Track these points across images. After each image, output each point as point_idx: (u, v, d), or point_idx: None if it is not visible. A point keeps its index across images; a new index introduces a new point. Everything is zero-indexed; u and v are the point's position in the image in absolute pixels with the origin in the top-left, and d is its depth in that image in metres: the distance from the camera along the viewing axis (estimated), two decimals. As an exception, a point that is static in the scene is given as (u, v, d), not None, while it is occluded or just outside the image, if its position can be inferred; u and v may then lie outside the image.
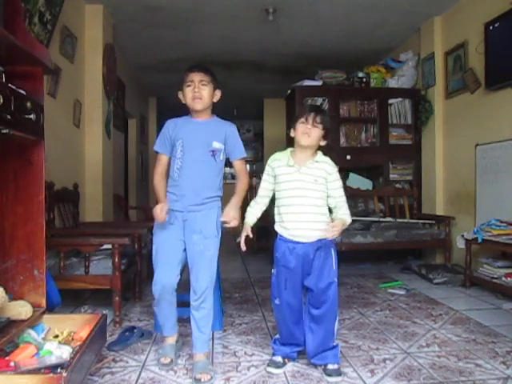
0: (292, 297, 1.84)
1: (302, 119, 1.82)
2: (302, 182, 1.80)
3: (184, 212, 1.83)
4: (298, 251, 1.80)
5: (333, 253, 1.84)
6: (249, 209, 1.96)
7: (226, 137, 1.88)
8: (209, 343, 1.92)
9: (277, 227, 1.88)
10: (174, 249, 1.86)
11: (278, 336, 1.95)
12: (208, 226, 1.84)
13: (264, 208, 1.95)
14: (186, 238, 1.85)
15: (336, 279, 1.83)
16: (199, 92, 1.84)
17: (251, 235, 1.92)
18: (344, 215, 1.83)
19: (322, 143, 1.87)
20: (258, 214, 1.95)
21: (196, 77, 1.87)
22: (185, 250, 1.87)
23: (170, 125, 1.90)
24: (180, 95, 1.90)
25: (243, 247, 1.90)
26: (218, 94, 1.93)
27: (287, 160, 1.85)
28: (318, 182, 1.81)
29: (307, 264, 1.81)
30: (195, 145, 1.84)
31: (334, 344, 1.86)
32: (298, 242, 1.80)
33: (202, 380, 1.72)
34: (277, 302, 1.87)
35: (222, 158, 1.89)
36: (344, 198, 1.86)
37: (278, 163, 1.88)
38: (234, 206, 1.90)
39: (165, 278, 1.86)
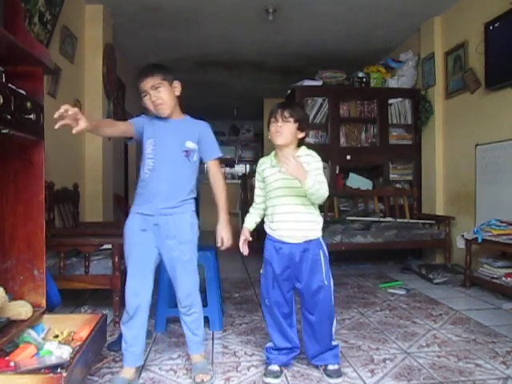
0: (279, 297, 1.80)
1: (272, 119, 1.79)
2: (284, 180, 1.76)
3: (155, 215, 1.71)
4: (284, 251, 1.77)
5: (321, 255, 1.77)
6: (248, 215, 1.96)
7: (199, 136, 1.81)
8: (204, 344, 1.88)
9: (265, 227, 1.86)
10: (145, 257, 1.73)
11: (270, 344, 1.89)
12: (182, 230, 1.74)
13: (262, 213, 1.92)
14: (160, 243, 1.74)
15: (327, 282, 1.77)
16: (158, 98, 1.72)
17: (250, 238, 1.90)
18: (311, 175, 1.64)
19: (300, 136, 1.80)
20: (257, 220, 1.94)
21: (146, 85, 1.72)
22: (159, 255, 1.77)
23: (145, 118, 1.81)
24: (143, 105, 1.78)
25: (244, 251, 1.89)
26: (178, 85, 1.81)
27: (270, 161, 1.84)
28: None
29: (294, 267, 1.76)
30: (168, 144, 1.75)
31: (334, 344, 1.84)
32: (284, 243, 1.77)
33: (202, 381, 1.72)
34: (266, 302, 1.84)
35: (195, 159, 1.80)
36: (321, 181, 1.70)
37: (263, 166, 1.87)
38: (224, 226, 1.83)
39: (139, 288, 1.72)
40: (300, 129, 1.78)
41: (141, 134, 1.76)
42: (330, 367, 1.79)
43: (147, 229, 1.71)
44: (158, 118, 1.78)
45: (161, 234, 1.72)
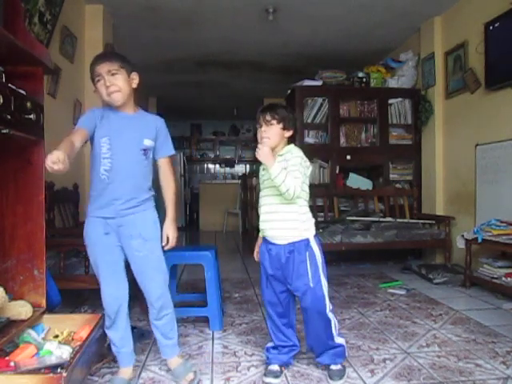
0: (272, 296, 1.82)
1: (257, 125, 1.80)
2: (270, 180, 1.73)
3: (117, 218, 1.64)
4: (272, 252, 1.78)
5: (307, 256, 1.73)
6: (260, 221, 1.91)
7: (156, 133, 1.72)
8: (178, 345, 1.82)
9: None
10: (114, 260, 1.68)
11: (270, 343, 1.89)
12: (147, 227, 1.69)
13: None
14: (124, 245, 1.67)
15: (313, 284, 1.72)
16: (112, 84, 1.60)
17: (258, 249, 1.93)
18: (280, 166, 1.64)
19: (287, 134, 1.79)
20: None
21: (102, 68, 1.59)
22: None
23: (96, 112, 1.66)
24: (96, 93, 1.65)
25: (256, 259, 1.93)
26: (136, 77, 1.69)
27: (264, 164, 1.81)
28: None
29: (282, 268, 1.76)
30: (126, 143, 1.65)
31: (338, 343, 1.80)
32: (272, 243, 1.78)
33: (190, 382, 1.72)
34: (263, 299, 1.89)
35: (151, 156, 1.74)
36: (294, 175, 1.65)
37: (261, 169, 1.89)
38: (170, 224, 1.74)
39: (115, 292, 1.69)
40: (285, 128, 1.77)
41: (93, 132, 1.63)
42: (333, 367, 1.78)
43: (110, 232, 1.65)
44: (112, 111, 1.67)
45: (124, 235, 1.66)
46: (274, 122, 1.75)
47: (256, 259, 1.92)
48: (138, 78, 1.70)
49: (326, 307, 1.76)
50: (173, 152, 1.79)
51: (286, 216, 1.75)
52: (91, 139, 1.64)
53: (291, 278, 1.75)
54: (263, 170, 1.84)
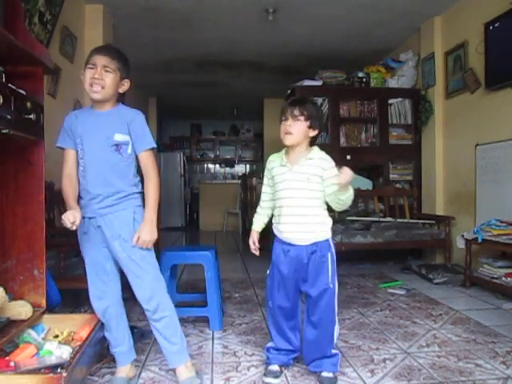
0: (284, 300, 1.77)
1: (282, 117, 1.73)
2: (294, 181, 1.71)
3: (96, 217, 1.61)
4: (292, 254, 1.72)
5: (329, 257, 1.73)
6: (255, 215, 1.90)
7: (129, 126, 1.62)
8: (186, 352, 1.70)
9: (273, 229, 1.81)
10: (99, 258, 1.66)
11: (271, 344, 1.87)
12: (126, 227, 1.60)
13: (270, 212, 1.85)
14: (108, 246, 1.64)
15: (332, 285, 1.72)
16: (100, 78, 1.57)
17: (257, 243, 1.85)
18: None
19: (312, 134, 1.74)
20: (265, 220, 1.89)
21: (100, 60, 1.58)
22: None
23: (71, 117, 1.67)
24: (82, 77, 1.62)
25: (256, 253, 1.85)
26: (127, 84, 1.67)
27: (281, 160, 1.78)
28: (311, 180, 1.70)
29: (301, 268, 1.72)
30: (95, 141, 1.60)
31: (333, 352, 1.78)
32: (292, 245, 1.73)
33: None
34: (270, 304, 1.82)
35: (130, 152, 1.63)
36: None
37: (273, 164, 1.81)
38: (144, 226, 1.60)
39: (100, 293, 1.67)
40: (311, 127, 1.72)
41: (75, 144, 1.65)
42: (325, 374, 1.74)
43: (88, 232, 1.64)
44: (87, 110, 1.69)
45: (106, 236, 1.62)
46: (302, 118, 1.70)
47: (257, 253, 1.85)
48: (127, 85, 1.68)
49: (335, 310, 1.76)
50: (151, 146, 1.65)
51: (313, 219, 1.72)
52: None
53: (310, 278, 1.72)
54: (282, 166, 1.76)
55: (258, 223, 1.89)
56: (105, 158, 1.60)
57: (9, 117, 1.50)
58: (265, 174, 1.86)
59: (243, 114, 8.84)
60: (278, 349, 1.84)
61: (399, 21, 4.28)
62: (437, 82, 4.20)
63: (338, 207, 1.74)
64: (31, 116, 1.67)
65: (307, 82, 4.49)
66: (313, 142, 1.79)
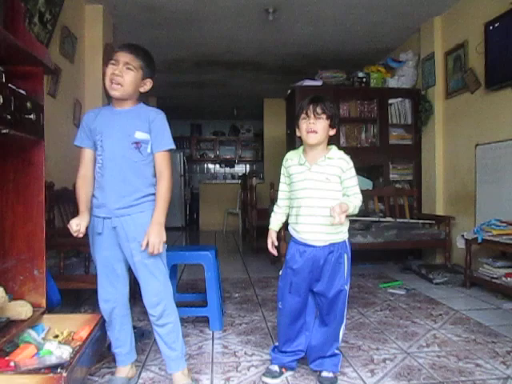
0: (295, 302, 1.74)
1: (303, 115, 1.70)
2: (313, 181, 1.68)
3: (112, 218, 1.57)
4: (308, 255, 1.69)
5: (346, 259, 1.72)
6: (272, 214, 1.87)
7: (149, 124, 1.59)
8: (183, 359, 1.70)
9: (290, 229, 1.78)
10: (112, 259, 1.62)
11: (276, 343, 1.87)
12: (142, 231, 1.55)
13: (287, 211, 1.83)
14: (122, 247, 1.60)
15: (346, 287, 1.73)
16: (120, 76, 1.54)
17: (276, 242, 1.83)
18: (347, 201, 1.65)
19: (332, 133, 1.72)
20: (283, 219, 1.86)
21: (123, 57, 1.56)
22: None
23: (89, 116, 1.65)
24: (104, 73, 1.60)
25: (273, 252, 1.83)
26: (149, 84, 1.65)
27: (299, 158, 1.73)
28: (330, 180, 1.67)
29: (317, 269, 1.70)
30: (115, 138, 1.57)
31: (336, 352, 1.78)
32: (308, 245, 1.70)
33: None
34: (280, 305, 1.79)
35: (150, 151, 1.60)
36: (356, 192, 1.71)
37: (290, 162, 1.76)
38: (152, 229, 1.54)
39: (107, 294, 1.65)
40: (331, 125, 1.71)
41: (94, 142, 1.63)
42: (325, 374, 1.74)
43: (103, 232, 1.59)
44: (107, 108, 1.67)
45: (121, 237, 1.58)
46: (324, 116, 1.68)
47: (275, 253, 1.82)
48: (150, 85, 1.66)
49: (346, 310, 1.76)
50: (169, 146, 1.62)
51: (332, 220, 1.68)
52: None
53: (325, 279, 1.70)
54: (300, 165, 1.72)
55: (276, 222, 1.86)
56: (124, 155, 1.57)
57: (9, 117, 1.50)
58: (281, 172, 1.82)
59: (243, 113, 8.84)
60: (282, 351, 1.82)
61: (399, 21, 4.28)
62: (437, 82, 4.19)
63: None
64: (31, 116, 1.68)
65: (307, 82, 4.49)
66: (329, 141, 1.76)
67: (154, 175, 1.63)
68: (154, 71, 1.67)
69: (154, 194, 1.62)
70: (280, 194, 1.84)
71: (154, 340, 2.21)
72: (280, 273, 1.82)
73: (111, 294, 1.65)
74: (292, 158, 1.77)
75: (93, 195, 1.63)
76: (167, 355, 1.66)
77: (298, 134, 1.76)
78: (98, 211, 1.60)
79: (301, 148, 1.79)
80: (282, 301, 1.78)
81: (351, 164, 1.72)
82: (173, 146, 1.63)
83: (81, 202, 1.61)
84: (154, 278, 1.61)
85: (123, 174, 1.57)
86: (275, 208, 1.87)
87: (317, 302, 1.78)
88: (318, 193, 1.68)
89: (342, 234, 1.73)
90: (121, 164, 1.57)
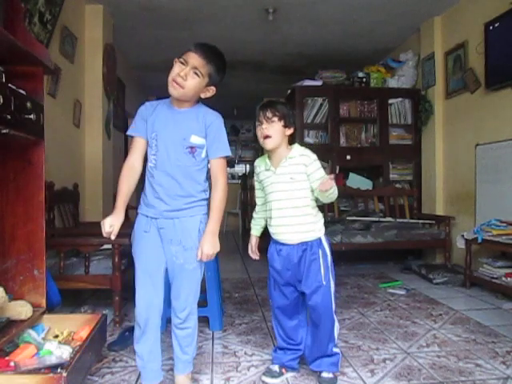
0: (281, 298, 1.79)
1: (257, 122, 1.74)
2: (279, 183, 1.72)
3: (159, 218, 1.53)
4: (283, 253, 1.75)
5: (320, 254, 1.73)
6: (252, 221, 1.93)
7: (206, 129, 1.54)
8: (192, 364, 1.69)
9: (268, 229, 1.83)
10: (155, 261, 1.56)
11: (276, 342, 1.89)
12: (188, 236, 1.53)
13: (265, 215, 1.86)
14: (165, 248, 1.56)
15: (326, 282, 1.72)
16: (184, 79, 1.48)
17: (254, 247, 1.89)
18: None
19: (288, 132, 1.73)
20: (262, 224, 1.89)
21: (193, 59, 1.50)
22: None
23: (148, 108, 1.59)
24: (174, 63, 1.54)
25: (255, 257, 1.88)
26: (212, 91, 1.59)
27: (265, 164, 1.79)
28: (294, 179, 1.70)
29: (294, 268, 1.73)
30: (170, 140, 1.52)
31: (334, 351, 1.78)
32: (283, 244, 1.75)
33: None
34: (270, 302, 1.86)
35: (204, 156, 1.56)
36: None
37: (259, 169, 1.82)
38: (206, 238, 1.52)
39: (149, 297, 1.55)
40: (286, 125, 1.72)
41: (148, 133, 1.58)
42: (325, 374, 1.74)
43: (149, 231, 1.54)
44: (165, 105, 1.59)
45: (165, 239, 1.54)
46: (276, 119, 1.70)
47: (256, 257, 1.89)
48: (212, 93, 1.59)
49: (332, 307, 1.75)
50: (226, 153, 1.58)
51: (303, 219, 1.72)
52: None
53: (303, 277, 1.72)
54: (267, 170, 1.77)
55: (256, 228, 1.92)
56: (177, 158, 1.52)
57: (9, 117, 1.50)
58: (254, 178, 1.89)
59: (243, 114, 8.83)
60: (281, 348, 1.84)
61: (399, 21, 4.28)
62: (437, 82, 4.20)
63: (325, 201, 1.75)
64: (31, 116, 1.68)
65: (307, 82, 4.50)
66: (291, 140, 1.78)
67: (207, 180, 1.60)
68: (222, 79, 1.59)
69: (205, 200, 1.59)
70: (257, 201, 1.90)
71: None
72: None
73: (151, 298, 1.55)
74: (260, 165, 1.82)
75: (143, 191, 1.59)
76: (178, 357, 1.64)
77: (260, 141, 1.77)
78: (146, 210, 1.56)
79: (266, 154, 1.83)
80: (271, 298, 1.85)
81: (314, 156, 1.73)
82: (229, 153, 1.60)
83: (120, 195, 1.54)
84: (189, 283, 1.59)
85: (175, 177, 1.52)
86: (254, 214, 1.93)
87: (305, 302, 1.80)
88: (285, 194, 1.72)
89: (314, 233, 1.74)
90: (173, 168, 1.52)
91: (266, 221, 1.85)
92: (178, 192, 1.53)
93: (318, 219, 1.78)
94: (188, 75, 1.49)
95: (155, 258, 1.56)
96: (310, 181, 1.72)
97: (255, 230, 1.92)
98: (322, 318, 1.74)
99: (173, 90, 1.50)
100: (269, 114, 1.70)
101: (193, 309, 1.62)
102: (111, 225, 1.49)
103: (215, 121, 1.58)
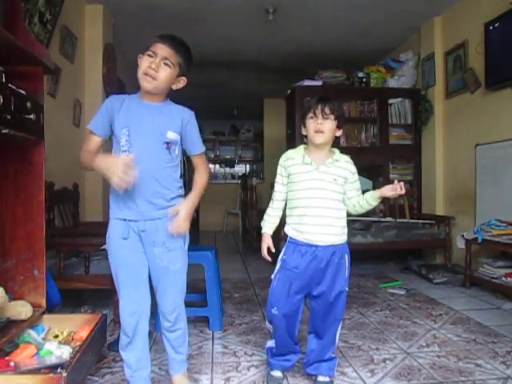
0: (292, 305, 1.68)
1: (310, 114, 1.66)
2: (321, 181, 1.65)
3: (139, 221, 1.47)
4: (310, 255, 1.65)
5: (347, 259, 1.70)
6: (266, 217, 1.78)
7: (182, 126, 1.52)
8: (186, 363, 1.68)
9: (288, 229, 1.71)
10: (138, 266, 1.51)
11: (272, 345, 1.80)
12: (172, 236, 1.49)
13: (281, 214, 1.77)
14: (147, 251, 1.51)
15: (347, 288, 1.70)
16: (156, 70, 1.44)
17: (273, 249, 1.74)
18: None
19: (338, 134, 1.71)
20: (277, 222, 1.78)
21: (162, 50, 1.45)
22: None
23: (115, 101, 1.51)
24: (139, 60, 1.49)
25: (268, 258, 1.74)
26: (182, 82, 1.55)
27: (302, 158, 1.68)
28: (337, 182, 1.66)
29: (319, 272, 1.65)
30: (146, 135, 1.47)
31: (332, 355, 1.75)
32: (311, 246, 1.64)
33: None
34: (274, 311, 1.69)
35: (177, 153, 1.54)
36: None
37: (292, 162, 1.70)
38: (188, 205, 1.51)
39: (134, 305, 1.49)
40: (338, 126, 1.69)
41: (110, 126, 1.51)
42: (321, 378, 1.72)
43: (128, 237, 1.48)
44: (135, 99, 1.53)
45: (147, 241, 1.50)
46: (332, 116, 1.65)
47: (269, 259, 1.75)
48: (183, 83, 1.56)
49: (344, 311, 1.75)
50: (204, 149, 1.62)
51: (338, 221, 1.68)
52: (112, 130, 1.51)
53: (327, 280, 1.66)
54: (305, 164, 1.67)
55: (270, 226, 1.78)
56: (155, 154, 1.48)
57: (9, 117, 1.50)
58: (279, 171, 1.75)
59: (243, 113, 8.83)
60: (280, 354, 1.78)
61: (399, 21, 4.28)
62: (437, 82, 4.20)
63: (358, 211, 1.72)
64: (31, 116, 1.68)
65: (307, 82, 4.49)
66: (333, 142, 1.74)
67: (180, 177, 1.59)
68: (190, 69, 1.57)
69: (182, 196, 1.57)
70: (276, 195, 1.76)
71: (155, 339, 2.22)
72: (273, 276, 1.74)
73: (137, 304, 1.50)
74: (293, 158, 1.71)
75: (113, 196, 1.51)
76: (172, 358, 1.64)
77: (303, 132, 1.72)
78: (123, 213, 1.49)
79: (301, 147, 1.75)
80: (278, 306, 1.69)
81: (354, 167, 1.74)
82: (204, 148, 1.63)
83: (92, 155, 1.46)
84: (175, 284, 1.56)
85: (153, 173, 1.47)
86: (269, 210, 1.79)
87: (312, 306, 1.73)
88: (324, 193, 1.65)
89: (344, 236, 1.72)
90: (151, 163, 1.46)
91: (288, 218, 1.74)
92: (157, 189, 1.49)
93: (346, 225, 1.74)
94: (159, 66, 1.46)
95: (138, 265, 1.51)
96: (348, 188, 1.69)
97: (270, 229, 1.77)
98: (334, 322, 1.71)
99: (146, 83, 1.46)
100: (327, 110, 1.64)
101: (181, 309, 1.60)
102: (129, 163, 1.34)
103: (191, 119, 1.57)
